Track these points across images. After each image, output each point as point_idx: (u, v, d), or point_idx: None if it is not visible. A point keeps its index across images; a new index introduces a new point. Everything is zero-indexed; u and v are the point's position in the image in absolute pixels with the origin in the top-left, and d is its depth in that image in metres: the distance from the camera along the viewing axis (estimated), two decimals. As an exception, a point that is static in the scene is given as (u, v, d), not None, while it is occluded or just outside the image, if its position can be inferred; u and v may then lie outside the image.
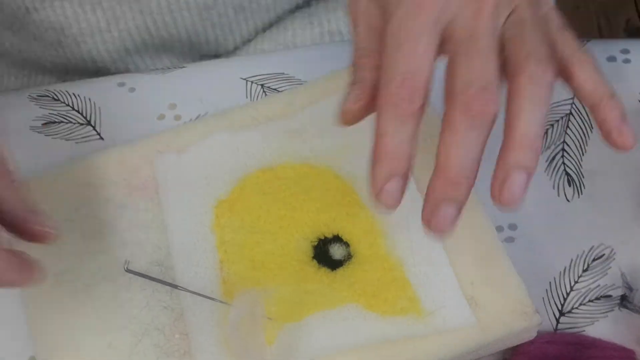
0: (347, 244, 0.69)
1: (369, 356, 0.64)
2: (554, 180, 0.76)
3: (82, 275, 0.69)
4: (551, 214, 0.75)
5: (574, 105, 0.80)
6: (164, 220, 0.71)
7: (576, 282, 0.72)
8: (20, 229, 0.61)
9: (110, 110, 0.82)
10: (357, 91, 0.62)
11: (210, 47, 0.91)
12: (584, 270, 0.72)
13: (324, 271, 0.68)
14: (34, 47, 0.91)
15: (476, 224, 0.69)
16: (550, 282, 0.72)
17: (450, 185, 0.57)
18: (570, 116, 0.80)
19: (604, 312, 0.70)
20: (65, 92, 0.83)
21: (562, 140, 0.78)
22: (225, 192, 0.72)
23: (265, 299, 0.65)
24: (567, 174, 0.77)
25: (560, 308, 0.71)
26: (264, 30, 0.94)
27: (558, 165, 0.77)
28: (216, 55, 0.93)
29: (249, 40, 0.94)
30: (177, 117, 0.81)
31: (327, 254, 0.68)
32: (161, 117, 0.81)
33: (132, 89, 0.83)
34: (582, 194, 0.76)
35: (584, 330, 0.70)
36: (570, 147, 0.78)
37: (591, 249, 0.73)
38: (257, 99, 0.81)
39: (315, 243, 0.69)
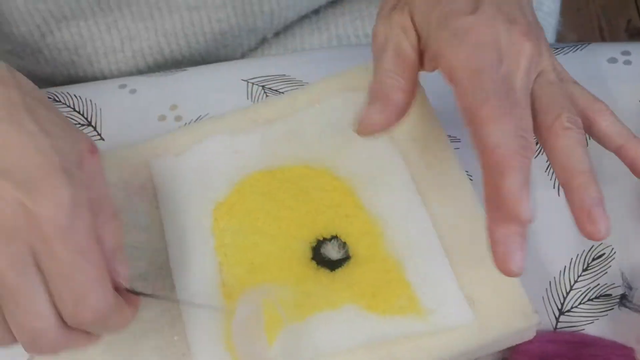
0: (345, 245, 0.69)
1: (369, 356, 0.64)
2: (554, 180, 0.76)
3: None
4: (551, 214, 0.74)
5: (574, 106, 0.80)
6: (163, 223, 0.71)
7: (576, 281, 0.72)
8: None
9: (112, 111, 0.82)
10: (380, 106, 0.64)
11: (218, 60, 0.91)
12: (584, 270, 0.72)
13: (323, 272, 0.68)
14: (44, 68, 0.91)
15: (475, 224, 0.69)
16: (550, 281, 0.72)
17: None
18: (571, 116, 0.80)
19: (603, 311, 0.70)
20: (67, 94, 0.83)
21: (562, 140, 0.78)
22: (223, 195, 0.72)
23: (268, 298, 0.66)
24: (567, 173, 0.76)
25: (560, 307, 0.71)
26: (272, 38, 0.94)
27: (558, 165, 0.77)
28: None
29: (256, 48, 0.94)
30: (178, 118, 0.81)
31: (325, 255, 0.68)
32: (162, 118, 0.81)
33: (133, 91, 0.83)
34: (582, 193, 0.75)
35: (584, 329, 0.70)
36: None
37: (591, 248, 0.73)
38: (258, 100, 0.81)
39: (314, 244, 0.69)
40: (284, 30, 0.94)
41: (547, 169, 0.77)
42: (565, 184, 0.63)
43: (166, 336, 0.67)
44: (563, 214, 0.74)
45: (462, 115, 0.61)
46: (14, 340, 0.57)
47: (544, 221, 0.74)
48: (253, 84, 0.82)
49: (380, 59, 0.66)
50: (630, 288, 0.71)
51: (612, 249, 0.73)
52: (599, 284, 0.71)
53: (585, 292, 0.71)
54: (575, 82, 0.68)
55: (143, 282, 0.69)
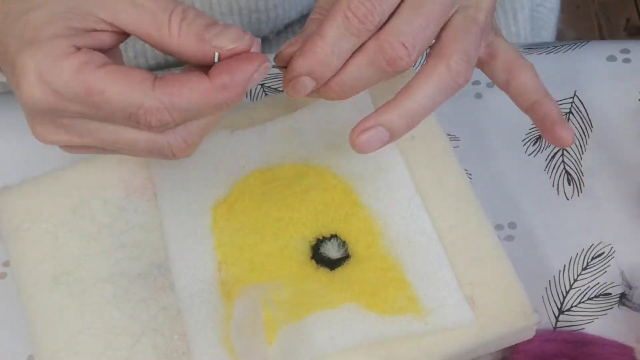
0: (345, 244, 0.69)
1: (369, 355, 0.64)
2: (554, 179, 0.76)
3: (80, 277, 0.69)
4: (551, 213, 0.75)
5: (573, 104, 0.80)
6: (162, 222, 0.71)
7: (575, 280, 0.72)
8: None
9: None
10: (296, 38, 0.63)
11: None
12: (584, 269, 0.72)
13: (323, 271, 0.68)
14: None
15: (474, 224, 0.69)
16: (549, 280, 0.72)
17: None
18: (570, 115, 0.80)
19: (603, 310, 0.70)
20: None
21: (562, 138, 0.78)
22: (223, 194, 0.72)
23: (266, 297, 0.65)
24: (567, 172, 0.77)
25: (559, 306, 0.71)
26: (272, 37, 0.94)
27: (558, 164, 0.77)
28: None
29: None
30: (177, 118, 0.81)
31: (325, 254, 0.68)
32: (161, 117, 0.81)
33: (132, 90, 0.83)
34: (581, 192, 0.76)
35: (584, 328, 0.70)
36: (570, 146, 0.78)
37: (590, 247, 0.73)
38: (257, 98, 0.81)
39: (314, 243, 0.69)
40: (285, 28, 0.93)
41: (546, 167, 0.77)
42: None
43: (166, 335, 0.67)
44: (563, 213, 0.75)
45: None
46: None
47: (544, 220, 0.74)
48: (252, 82, 0.82)
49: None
50: (629, 287, 0.71)
51: (612, 247, 0.73)
52: (598, 283, 0.71)
53: (584, 291, 0.71)
54: (508, 42, 0.68)
55: (143, 281, 0.69)
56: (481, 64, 0.67)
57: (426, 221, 0.69)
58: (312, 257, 0.68)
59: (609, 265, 0.72)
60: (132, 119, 0.56)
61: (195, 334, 0.66)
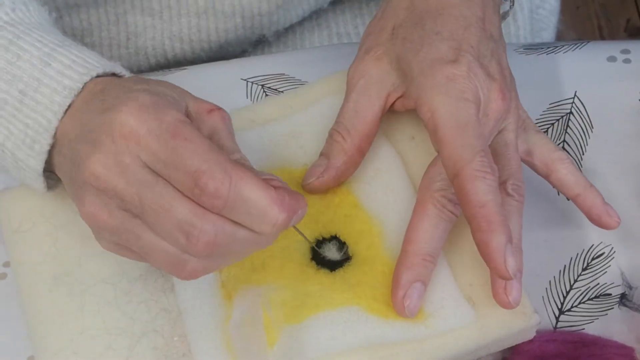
0: (345, 245, 0.69)
1: (369, 356, 0.64)
2: (554, 179, 0.76)
3: (81, 278, 0.69)
4: (551, 213, 0.75)
5: (574, 105, 0.80)
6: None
7: (576, 281, 0.72)
8: None
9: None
10: (320, 168, 0.70)
11: (218, 59, 0.91)
12: (584, 269, 0.72)
13: (324, 272, 0.68)
14: None
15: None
16: (550, 281, 0.72)
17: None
18: (571, 115, 0.80)
19: (603, 311, 0.70)
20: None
21: (562, 139, 0.78)
22: (223, 194, 0.72)
23: (267, 297, 0.65)
24: (567, 172, 0.76)
25: (559, 306, 0.71)
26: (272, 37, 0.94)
27: (558, 164, 0.77)
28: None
29: (256, 47, 0.94)
30: (178, 118, 0.80)
31: (325, 255, 0.68)
32: (161, 118, 0.81)
33: (132, 91, 0.83)
34: (581, 192, 0.75)
35: (584, 329, 0.70)
36: (570, 147, 0.78)
37: (591, 247, 0.73)
38: (257, 99, 0.81)
39: (312, 243, 0.69)
40: (285, 31, 0.93)
41: (546, 168, 0.77)
42: None
43: (166, 336, 0.67)
44: (563, 213, 0.75)
45: (446, 165, 0.64)
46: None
47: (544, 220, 0.74)
48: (253, 83, 0.82)
49: (343, 107, 0.71)
50: (630, 287, 0.71)
51: (612, 248, 0.73)
52: (598, 283, 0.71)
53: (585, 291, 0.71)
54: (539, 131, 0.72)
55: (143, 282, 0.69)
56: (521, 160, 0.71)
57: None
58: (312, 259, 0.68)
59: (609, 266, 0.72)
60: (182, 231, 0.57)
61: (195, 336, 0.65)
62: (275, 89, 0.81)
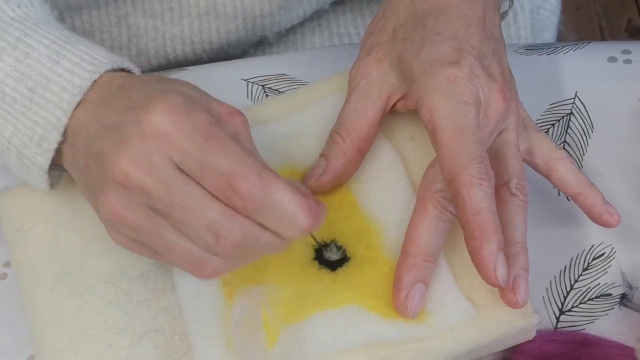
0: (341, 247, 0.69)
1: (370, 355, 0.64)
2: (554, 180, 0.76)
3: (82, 277, 0.69)
4: (551, 213, 0.75)
5: (574, 105, 0.80)
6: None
7: (576, 281, 0.72)
8: None
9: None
10: (320, 169, 0.70)
11: (219, 59, 0.91)
12: (584, 269, 0.72)
13: (325, 272, 0.68)
14: None
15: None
16: (550, 281, 0.72)
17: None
18: (571, 116, 0.80)
19: (604, 311, 0.70)
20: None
21: (562, 139, 0.79)
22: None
23: (267, 297, 0.66)
24: (568, 173, 0.76)
25: (560, 307, 0.71)
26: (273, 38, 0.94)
27: (558, 165, 0.77)
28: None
29: (257, 48, 0.94)
30: (179, 119, 0.80)
31: (326, 255, 0.68)
32: (162, 118, 0.81)
33: (133, 90, 0.83)
34: (582, 192, 0.75)
35: (584, 329, 0.70)
36: (570, 147, 0.78)
37: (591, 247, 0.73)
38: (258, 100, 0.81)
39: (316, 246, 0.69)
40: (286, 31, 0.93)
41: (547, 168, 0.77)
42: None
43: (167, 335, 0.67)
44: (563, 213, 0.75)
45: (443, 168, 0.64)
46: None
47: (544, 220, 0.74)
48: (253, 83, 0.82)
49: (344, 107, 0.71)
50: (630, 287, 0.71)
51: (613, 248, 0.73)
52: (599, 284, 0.71)
53: (585, 291, 0.71)
54: (539, 130, 0.72)
55: (143, 282, 0.69)
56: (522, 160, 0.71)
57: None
58: (315, 258, 0.68)
59: (610, 266, 0.72)
60: (211, 231, 0.58)
61: (196, 335, 0.65)
62: (276, 90, 0.81)
